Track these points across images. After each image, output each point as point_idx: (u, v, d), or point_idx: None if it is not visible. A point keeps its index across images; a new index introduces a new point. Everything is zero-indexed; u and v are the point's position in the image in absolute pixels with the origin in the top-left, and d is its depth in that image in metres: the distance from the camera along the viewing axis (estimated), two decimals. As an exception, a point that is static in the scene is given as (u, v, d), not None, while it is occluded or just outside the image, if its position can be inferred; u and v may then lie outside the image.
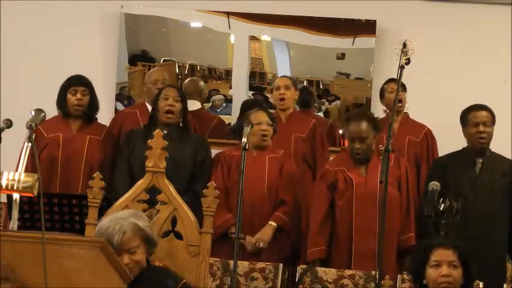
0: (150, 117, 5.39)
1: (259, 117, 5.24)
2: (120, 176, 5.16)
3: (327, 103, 6.65)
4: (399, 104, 5.71)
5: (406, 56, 4.45)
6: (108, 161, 5.37)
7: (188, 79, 6.59)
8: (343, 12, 6.55)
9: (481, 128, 5.12)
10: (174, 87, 5.49)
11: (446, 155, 5.47)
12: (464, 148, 5.26)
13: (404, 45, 4.46)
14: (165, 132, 5.23)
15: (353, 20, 6.56)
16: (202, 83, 6.52)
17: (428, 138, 5.69)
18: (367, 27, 6.54)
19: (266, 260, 4.95)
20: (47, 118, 4.87)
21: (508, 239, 5.05)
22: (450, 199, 4.23)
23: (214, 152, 5.45)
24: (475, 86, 6.38)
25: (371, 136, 5.05)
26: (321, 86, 6.75)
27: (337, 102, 6.64)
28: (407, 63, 4.46)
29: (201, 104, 6.36)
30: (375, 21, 6.51)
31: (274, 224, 5.11)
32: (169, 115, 5.24)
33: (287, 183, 5.20)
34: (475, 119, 5.14)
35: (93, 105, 5.39)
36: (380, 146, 4.96)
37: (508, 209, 5.06)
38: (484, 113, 5.15)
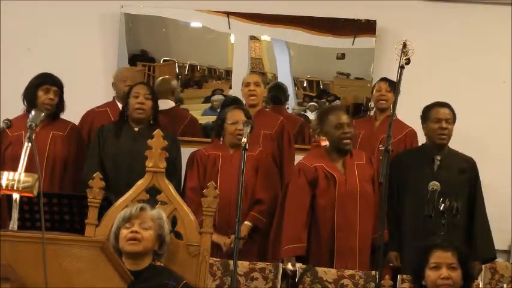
0: (120, 114, 5.43)
1: (236, 116, 5.23)
2: (91, 171, 5.13)
3: (327, 103, 6.65)
4: (382, 101, 5.72)
5: (406, 56, 4.45)
6: (72, 156, 5.41)
7: (160, 78, 6.58)
8: (343, 12, 6.55)
9: (443, 125, 5.11)
10: (144, 85, 5.55)
11: (405, 151, 5.47)
12: (423, 144, 5.29)
13: (404, 45, 4.47)
14: (136, 129, 5.30)
15: (353, 20, 6.56)
16: (174, 82, 6.51)
17: (407, 139, 5.64)
18: (367, 27, 6.54)
19: (243, 259, 4.90)
20: (12, 117, 4.91)
21: (464, 235, 5.01)
22: (450, 199, 4.23)
23: (185, 150, 5.47)
24: (475, 86, 6.38)
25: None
26: (321, 86, 6.75)
27: (337, 102, 6.64)
28: (407, 63, 4.46)
29: (175, 103, 6.35)
30: (375, 21, 6.51)
31: (249, 223, 5.13)
32: (140, 111, 5.29)
33: (264, 181, 5.21)
34: (438, 114, 5.13)
35: (60, 106, 5.43)
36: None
37: (465, 205, 5.02)
38: (446, 110, 5.15)
